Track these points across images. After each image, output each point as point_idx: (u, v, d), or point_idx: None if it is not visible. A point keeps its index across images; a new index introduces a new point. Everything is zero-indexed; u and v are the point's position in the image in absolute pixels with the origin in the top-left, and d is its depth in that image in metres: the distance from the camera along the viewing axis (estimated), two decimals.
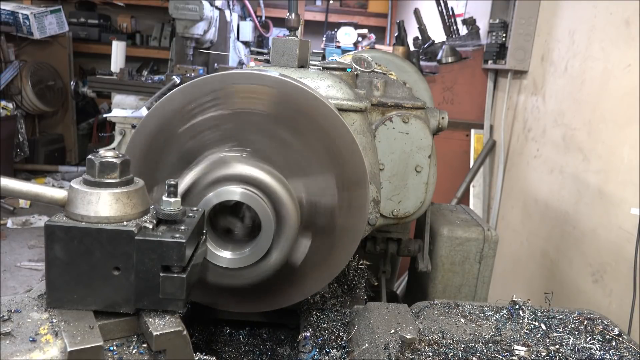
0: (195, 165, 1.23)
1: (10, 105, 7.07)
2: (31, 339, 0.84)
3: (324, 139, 1.28)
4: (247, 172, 1.21)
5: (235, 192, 1.19)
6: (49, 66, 7.83)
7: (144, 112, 5.10)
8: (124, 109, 5.51)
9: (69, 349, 0.83)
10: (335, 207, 1.31)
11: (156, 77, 6.12)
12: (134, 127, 5.03)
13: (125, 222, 0.92)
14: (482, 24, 4.51)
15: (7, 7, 7.36)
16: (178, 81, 5.38)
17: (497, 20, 4.04)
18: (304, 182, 1.28)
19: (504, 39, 3.99)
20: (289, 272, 1.33)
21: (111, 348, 0.90)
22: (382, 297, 2.24)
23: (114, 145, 5.28)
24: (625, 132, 2.66)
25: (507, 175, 4.14)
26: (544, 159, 3.54)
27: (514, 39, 3.87)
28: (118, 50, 6.45)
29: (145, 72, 7.21)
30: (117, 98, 5.72)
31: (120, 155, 0.96)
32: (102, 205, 0.91)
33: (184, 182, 1.21)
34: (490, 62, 4.16)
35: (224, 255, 1.24)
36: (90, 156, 0.95)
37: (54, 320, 0.89)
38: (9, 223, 5.94)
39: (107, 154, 0.95)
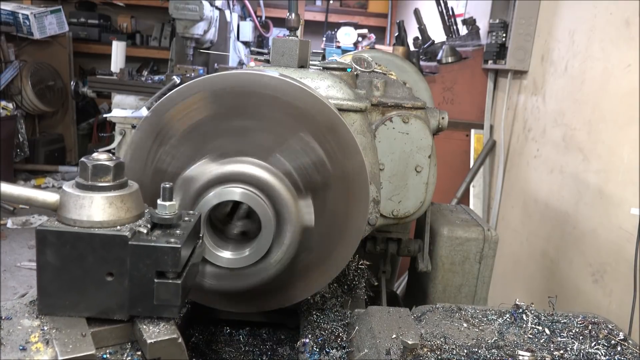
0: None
1: (10, 105, 7.07)
2: (21, 348, 0.83)
3: (277, 103, 1.25)
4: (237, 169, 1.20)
5: (234, 192, 1.18)
6: (49, 66, 7.82)
7: (144, 112, 5.08)
8: (124, 109, 5.49)
9: (60, 358, 0.81)
10: (323, 158, 1.28)
11: (156, 77, 6.11)
12: (134, 127, 5.02)
13: (118, 227, 0.90)
14: (482, 24, 4.49)
15: (7, 7, 7.35)
16: (178, 81, 5.36)
17: (497, 20, 4.02)
18: (281, 152, 1.25)
19: (504, 39, 3.98)
20: (289, 271, 1.32)
21: (104, 356, 0.89)
22: (382, 297, 2.23)
23: (114, 145, 5.26)
24: (625, 132, 2.65)
25: (507, 175, 4.13)
26: (544, 159, 3.53)
27: (514, 39, 3.85)
28: (118, 50, 6.44)
29: (145, 72, 7.21)
30: (117, 98, 5.71)
31: (114, 158, 0.95)
32: (95, 209, 0.90)
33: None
34: (490, 62, 4.15)
35: (224, 255, 1.22)
36: (83, 159, 0.93)
37: (45, 328, 0.87)
38: (9, 223, 5.94)
39: (100, 156, 0.93)
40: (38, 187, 6.34)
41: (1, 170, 6.56)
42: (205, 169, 1.21)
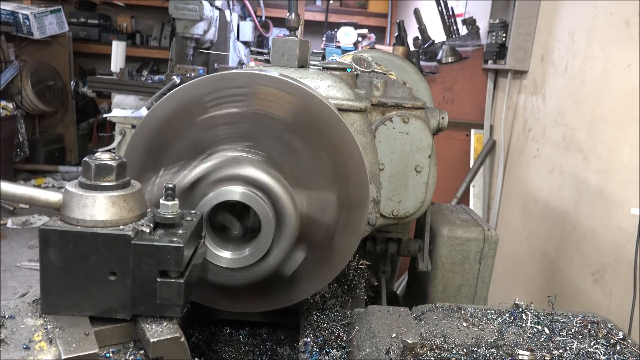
0: (208, 158, 1.23)
1: (10, 105, 7.07)
2: (25, 346, 0.83)
3: (334, 157, 1.27)
4: (256, 175, 1.20)
5: (235, 192, 1.18)
6: (49, 66, 7.82)
7: (144, 112, 5.08)
8: (124, 109, 5.49)
9: (63, 357, 0.81)
10: (333, 225, 1.30)
11: (156, 77, 6.11)
12: (134, 127, 5.02)
13: (121, 226, 0.91)
14: (482, 24, 4.49)
15: (7, 7, 7.35)
16: (178, 81, 5.36)
17: (497, 20, 4.02)
18: (306, 196, 1.27)
19: (504, 39, 3.98)
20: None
21: (107, 355, 0.89)
22: (382, 297, 2.23)
23: (114, 145, 5.26)
24: (625, 132, 2.65)
25: (507, 175, 4.13)
26: (544, 159, 3.53)
27: (514, 39, 3.85)
28: (118, 50, 6.44)
29: (145, 72, 7.20)
30: (117, 98, 5.71)
31: (117, 157, 0.95)
32: (98, 208, 0.90)
33: (195, 173, 1.20)
34: (490, 62, 4.15)
35: (224, 255, 1.23)
36: (86, 158, 0.94)
37: (49, 327, 0.88)
38: (9, 223, 5.93)
39: (103, 156, 0.94)
40: (38, 187, 6.33)
41: (1, 170, 6.56)
42: (245, 165, 1.22)
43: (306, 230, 1.29)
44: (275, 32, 9.07)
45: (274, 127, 1.25)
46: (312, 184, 1.28)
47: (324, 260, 1.34)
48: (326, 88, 1.58)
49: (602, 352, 1.16)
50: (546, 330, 1.26)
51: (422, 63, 4.66)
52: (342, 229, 1.31)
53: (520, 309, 1.33)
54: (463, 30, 4.95)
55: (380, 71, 2.12)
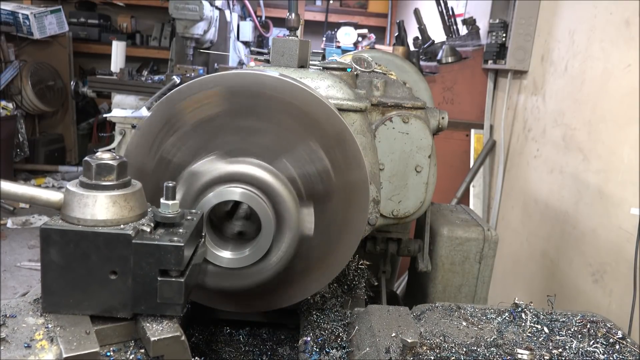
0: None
1: (10, 105, 7.07)
2: (26, 345, 0.83)
3: (290, 109, 1.25)
4: (233, 169, 1.21)
5: (234, 192, 1.18)
6: (49, 66, 7.83)
7: (144, 112, 5.08)
8: (124, 109, 5.49)
9: (64, 355, 0.82)
10: (328, 169, 1.29)
11: (156, 77, 6.11)
12: (134, 127, 5.03)
13: (122, 225, 0.91)
14: (482, 24, 4.50)
15: (7, 7, 7.35)
16: (178, 81, 5.36)
17: (497, 20, 4.03)
18: (288, 158, 1.26)
19: (504, 39, 3.98)
20: (290, 271, 1.32)
21: (108, 354, 0.89)
22: (382, 297, 2.23)
23: (113, 145, 5.27)
24: (625, 132, 2.66)
25: (507, 175, 4.13)
26: (544, 159, 3.53)
27: (514, 39, 3.86)
28: (118, 50, 6.44)
29: (145, 72, 7.21)
30: (117, 98, 5.72)
31: (118, 157, 0.95)
32: (99, 208, 0.90)
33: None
34: (490, 62, 4.15)
35: (224, 255, 1.23)
36: (86, 158, 0.94)
37: (50, 326, 0.88)
38: (9, 223, 5.94)
39: (103, 155, 0.94)
40: (38, 187, 6.30)
41: (1, 170, 6.56)
42: (212, 165, 1.21)
43: (306, 188, 1.27)
44: (275, 32, 9.07)
45: (217, 124, 1.24)
46: (286, 145, 1.26)
47: (342, 209, 1.32)
48: (326, 88, 1.58)
49: (601, 352, 1.16)
50: (545, 329, 1.26)
51: (422, 63, 4.66)
52: (342, 167, 1.29)
53: (519, 309, 1.33)
54: (463, 30, 4.95)
55: (380, 71, 2.12)
